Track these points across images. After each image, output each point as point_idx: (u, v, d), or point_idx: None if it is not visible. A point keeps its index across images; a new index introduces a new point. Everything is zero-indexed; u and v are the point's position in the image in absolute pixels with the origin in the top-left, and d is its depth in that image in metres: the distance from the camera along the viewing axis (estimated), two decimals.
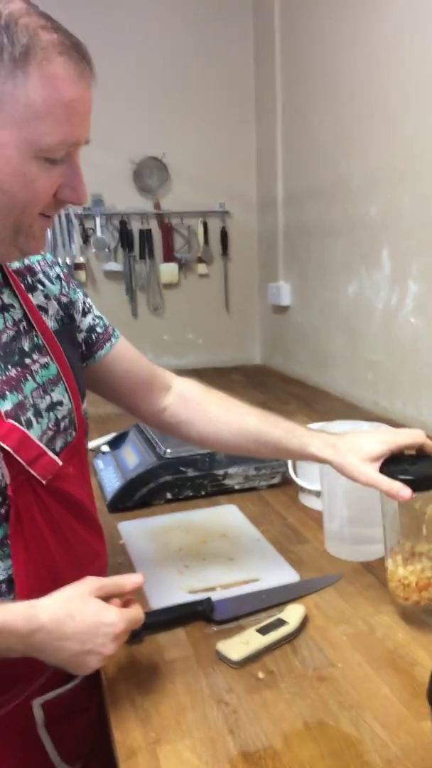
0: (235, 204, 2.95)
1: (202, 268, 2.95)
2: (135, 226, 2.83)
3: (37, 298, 0.84)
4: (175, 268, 2.89)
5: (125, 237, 2.80)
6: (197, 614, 0.89)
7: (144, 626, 0.86)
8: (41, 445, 0.75)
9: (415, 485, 0.81)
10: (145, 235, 2.84)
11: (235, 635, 0.84)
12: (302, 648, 0.83)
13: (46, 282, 0.86)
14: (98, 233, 2.76)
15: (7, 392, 0.74)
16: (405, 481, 0.81)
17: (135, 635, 0.85)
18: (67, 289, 0.89)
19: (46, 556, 0.78)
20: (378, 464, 0.85)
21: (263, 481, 1.37)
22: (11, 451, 0.71)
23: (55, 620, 0.67)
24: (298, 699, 0.74)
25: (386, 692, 0.74)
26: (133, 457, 1.40)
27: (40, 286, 0.85)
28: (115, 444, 1.56)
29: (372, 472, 0.84)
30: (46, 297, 0.85)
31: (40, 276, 0.86)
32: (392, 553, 0.87)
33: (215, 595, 0.93)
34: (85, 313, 0.92)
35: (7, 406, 0.74)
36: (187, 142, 2.82)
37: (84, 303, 0.92)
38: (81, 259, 2.76)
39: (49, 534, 0.78)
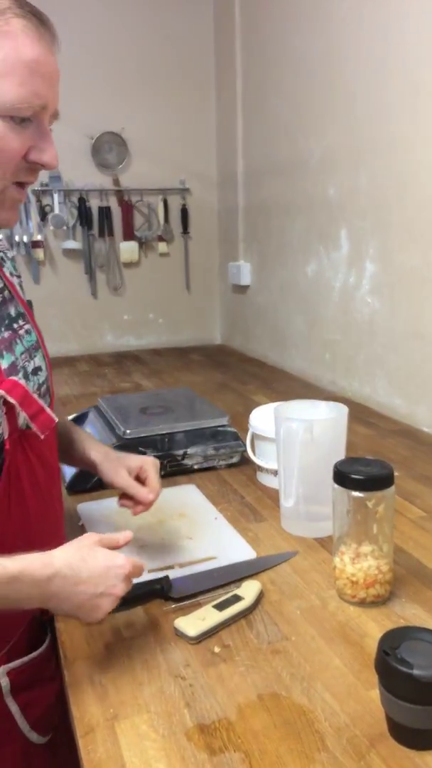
0: (195, 180, 2.93)
1: (162, 246, 2.93)
2: (94, 203, 2.79)
3: (7, 271, 0.88)
4: (135, 246, 2.87)
5: (84, 214, 2.76)
6: (155, 592, 0.91)
7: None
8: (40, 401, 0.80)
9: (367, 485, 0.85)
10: (105, 213, 2.80)
11: (192, 612, 0.86)
12: (257, 622, 0.86)
13: (7, 261, 0.90)
14: (56, 210, 2.71)
15: (4, 352, 0.79)
16: (357, 481, 0.85)
17: None
18: (16, 271, 0.93)
19: (25, 520, 0.82)
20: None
21: (222, 461, 1.39)
22: (16, 405, 0.76)
23: (69, 566, 0.71)
24: (253, 672, 0.76)
25: (337, 663, 0.77)
26: None
27: (3, 262, 0.89)
28: None
29: (127, 478, 0.99)
30: (11, 273, 0.90)
31: (2, 255, 0.90)
32: (340, 553, 0.90)
33: (173, 574, 0.95)
34: None
35: (4, 364, 0.78)
36: (147, 117, 2.79)
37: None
38: (38, 237, 2.71)
39: (31, 496, 0.83)
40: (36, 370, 0.85)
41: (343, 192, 1.97)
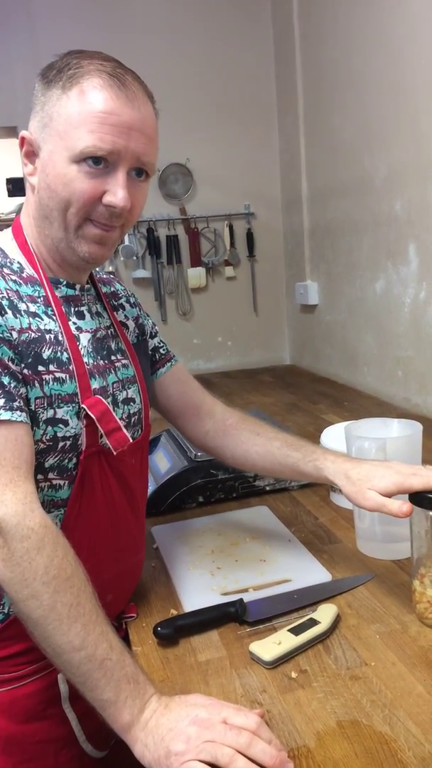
0: (259, 205, 2.96)
1: (229, 270, 2.96)
2: (162, 233, 2.86)
3: (120, 316, 1.00)
4: (202, 272, 2.92)
5: (152, 244, 2.84)
6: (230, 616, 0.90)
7: (177, 628, 0.88)
8: (118, 420, 0.85)
9: None
10: (172, 241, 2.86)
11: (267, 636, 0.85)
12: (335, 647, 0.84)
13: (127, 306, 1.04)
14: (126, 241, 2.80)
15: (96, 375, 0.87)
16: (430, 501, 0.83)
17: (167, 637, 0.87)
18: (141, 314, 1.06)
19: (93, 530, 0.85)
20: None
21: (294, 482, 1.38)
22: (95, 419, 0.82)
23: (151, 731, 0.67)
24: (331, 698, 0.74)
25: (420, 691, 0.74)
26: (164, 461, 1.42)
27: (121, 309, 1.02)
28: None
29: (377, 497, 0.86)
30: (126, 317, 1.02)
31: (122, 301, 1.04)
32: (419, 576, 0.87)
33: (247, 597, 0.94)
34: (152, 336, 1.08)
35: (95, 385, 0.85)
36: (210, 146, 2.85)
37: (152, 328, 1.09)
38: (110, 268, 2.80)
39: (103, 510, 0.86)
40: (128, 401, 0.92)
41: (411, 207, 1.94)
